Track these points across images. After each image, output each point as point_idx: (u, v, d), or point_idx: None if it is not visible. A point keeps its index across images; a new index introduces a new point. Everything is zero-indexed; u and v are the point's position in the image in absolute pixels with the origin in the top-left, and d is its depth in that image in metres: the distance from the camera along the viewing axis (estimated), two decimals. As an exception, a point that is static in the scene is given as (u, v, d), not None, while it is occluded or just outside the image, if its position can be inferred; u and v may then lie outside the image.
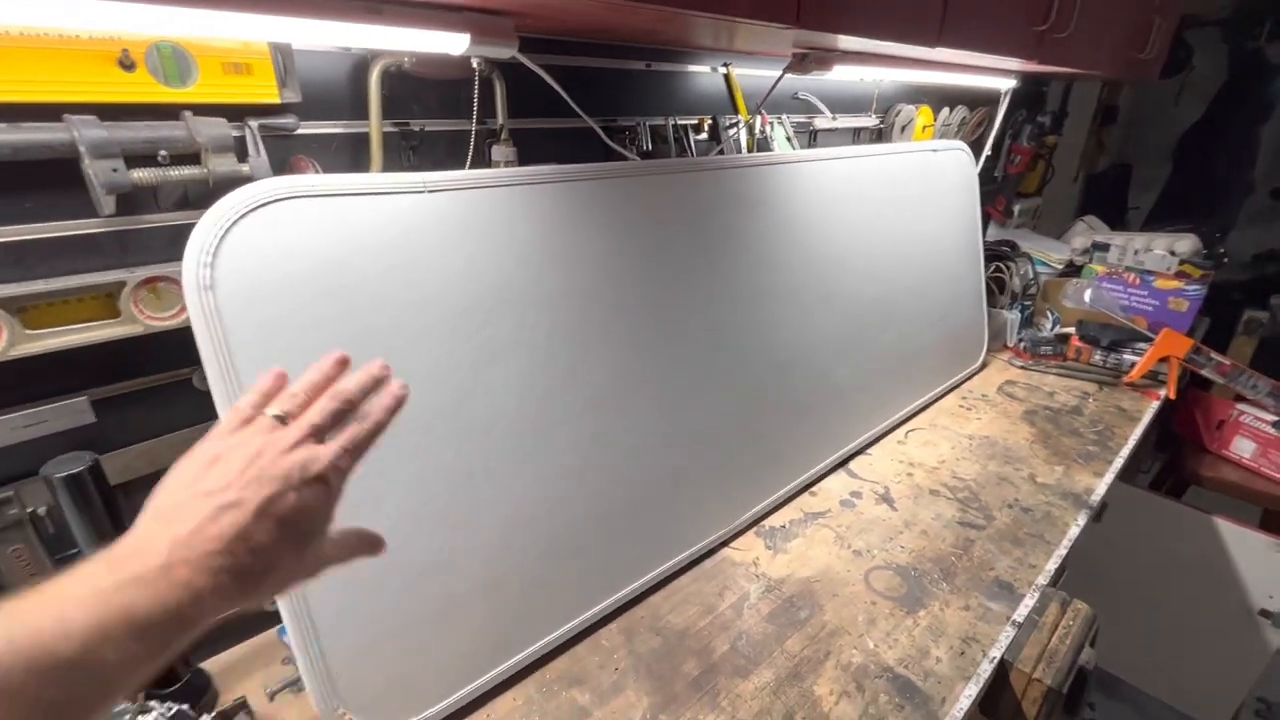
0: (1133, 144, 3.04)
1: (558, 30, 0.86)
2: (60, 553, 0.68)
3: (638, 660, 0.81)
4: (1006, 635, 0.84)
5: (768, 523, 1.07)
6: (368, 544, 0.44)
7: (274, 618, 0.88)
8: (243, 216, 0.58)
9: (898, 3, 0.84)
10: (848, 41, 0.93)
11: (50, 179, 0.59)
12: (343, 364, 0.43)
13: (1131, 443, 1.31)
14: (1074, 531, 1.04)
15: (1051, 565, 0.96)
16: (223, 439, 0.38)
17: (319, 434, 0.39)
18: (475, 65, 0.74)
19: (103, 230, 0.62)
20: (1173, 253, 1.71)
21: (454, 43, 0.61)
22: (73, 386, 0.65)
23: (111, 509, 0.63)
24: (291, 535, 0.36)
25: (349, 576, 0.63)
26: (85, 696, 0.28)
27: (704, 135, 1.14)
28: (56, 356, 0.61)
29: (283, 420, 0.40)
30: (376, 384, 0.43)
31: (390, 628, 0.68)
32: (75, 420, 0.65)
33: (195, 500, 0.34)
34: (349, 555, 0.42)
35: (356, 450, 0.40)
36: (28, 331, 0.59)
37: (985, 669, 0.79)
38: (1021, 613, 0.88)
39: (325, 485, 0.38)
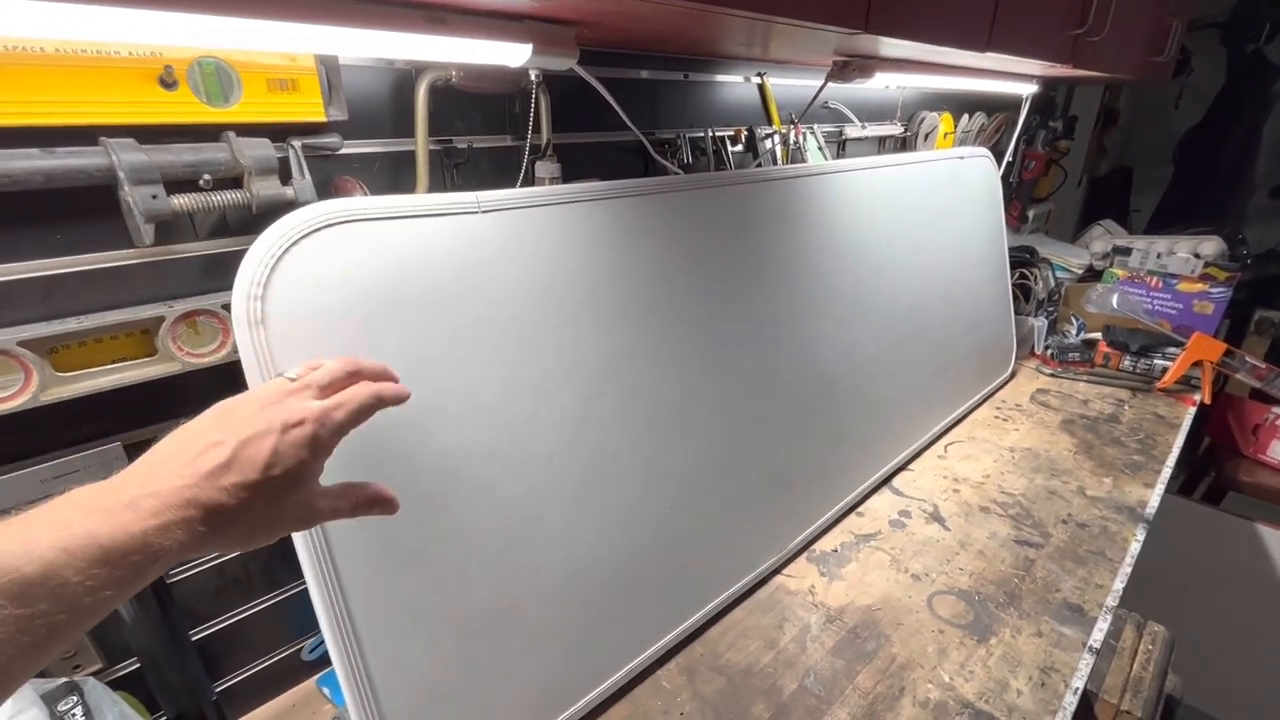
0: (1133, 147, 3.05)
1: (613, 41, 0.83)
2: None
3: (703, 703, 0.76)
4: (1085, 663, 0.80)
5: (818, 547, 1.02)
6: (372, 500, 0.44)
7: (311, 667, 0.83)
8: (294, 244, 0.53)
9: (954, 9, 0.82)
10: (892, 47, 0.91)
11: (81, 208, 0.54)
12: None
13: (1176, 450, 1.28)
14: (1135, 547, 1.01)
15: (1119, 584, 0.93)
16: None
17: (321, 394, 0.41)
18: (534, 77, 0.70)
19: (138, 261, 0.57)
20: (1197, 255, 1.70)
21: (515, 54, 0.58)
22: (104, 431, 0.59)
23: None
24: (265, 479, 0.36)
25: (406, 629, 0.59)
26: (49, 614, 0.28)
27: (740, 146, 1.10)
28: (88, 399, 0.56)
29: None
30: (385, 376, 0.47)
31: (448, 685, 0.63)
32: (107, 468, 0.59)
33: (185, 444, 0.36)
34: (350, 511, 0.43)
35: (355, 410, 0.41)
36: (59, 374, 0.54)
37: (1070, 701, 0.75)
38: (1096, 638, 0.84)
39: (310, 436, 0.38)
